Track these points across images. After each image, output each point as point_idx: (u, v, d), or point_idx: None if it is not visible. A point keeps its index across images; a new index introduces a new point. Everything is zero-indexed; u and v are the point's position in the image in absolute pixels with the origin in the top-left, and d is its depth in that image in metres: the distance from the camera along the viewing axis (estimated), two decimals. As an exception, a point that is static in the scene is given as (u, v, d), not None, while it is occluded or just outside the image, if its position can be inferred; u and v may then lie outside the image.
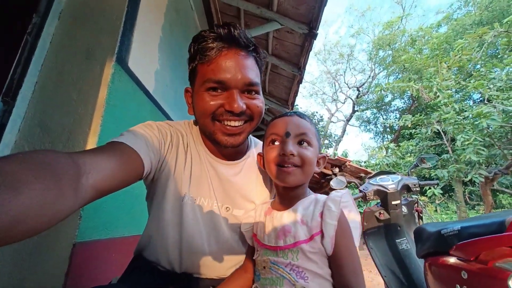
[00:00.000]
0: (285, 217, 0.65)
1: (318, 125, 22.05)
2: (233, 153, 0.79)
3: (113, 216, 1.14)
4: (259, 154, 0.75)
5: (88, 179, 0.46)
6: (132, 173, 0.59)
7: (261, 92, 0.75)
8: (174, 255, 0.72)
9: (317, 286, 0.59)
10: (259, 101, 0.72)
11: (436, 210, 13.11)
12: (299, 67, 3.19)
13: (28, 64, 1.07)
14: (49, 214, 0.36)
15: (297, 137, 0.66)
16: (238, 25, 0.68)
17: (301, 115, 0.70)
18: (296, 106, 20.13)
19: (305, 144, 0.66)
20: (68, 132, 1.03)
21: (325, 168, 6.09)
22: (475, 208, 12.60)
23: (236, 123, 0.69)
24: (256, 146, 0.89)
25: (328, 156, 0.75)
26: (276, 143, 0.67)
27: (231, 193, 0.77)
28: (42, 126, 1.04)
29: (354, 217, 0.66)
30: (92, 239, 0.99)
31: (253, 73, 0.69)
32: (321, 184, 7.12)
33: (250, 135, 0.86)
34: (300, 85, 3.69)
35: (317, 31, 2.53)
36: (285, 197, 0.69)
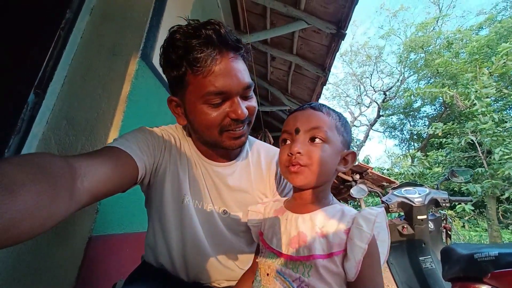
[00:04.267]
0: (301, 222, 0.58)
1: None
2: (228, 153, 0.77)
3: (128, 211, 1.15)
4: None
5: (83, 182, 0.46)
6: (127, 177, 0.60)
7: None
8: (178, 259, 0.72)
9: None
10: (254, 101, 0.71)
11: (463, 226, 12.22)
12: (324, 68, 3.09)
13: (59, 58, 1.11)
14: (44, 217, 0.37)
15: (308, 132, 0.58)
16: (220, 22, 0.63)
17: (316, 107, 0.62)
18: (318, 108, 19.54)
19: (318, 140, 0.58)
20: (91, 126, 1.06)
21: (345, 173, 5.87)
22: (509, 228, 11.56)
23: (241, 129, 0.69)
24: (250, 144, 0.85)
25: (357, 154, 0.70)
26: (288, 142, 0.61)
27: (226, 196, 0.75)
28: (68, 119, 1.08)
29: (383, 241, 0.57)
30: (108, 233, 1.01)
31: (246, 75, 0.67)
32: (339, 190, 6.87)
33: None
34: (324, 87, 3.57)
35: (346, 31, 2.43)
36: (301, 199, 0.62)
